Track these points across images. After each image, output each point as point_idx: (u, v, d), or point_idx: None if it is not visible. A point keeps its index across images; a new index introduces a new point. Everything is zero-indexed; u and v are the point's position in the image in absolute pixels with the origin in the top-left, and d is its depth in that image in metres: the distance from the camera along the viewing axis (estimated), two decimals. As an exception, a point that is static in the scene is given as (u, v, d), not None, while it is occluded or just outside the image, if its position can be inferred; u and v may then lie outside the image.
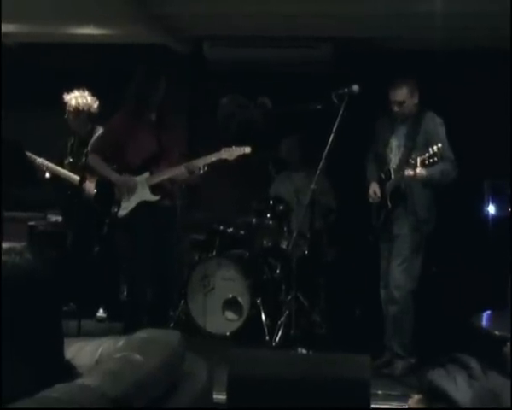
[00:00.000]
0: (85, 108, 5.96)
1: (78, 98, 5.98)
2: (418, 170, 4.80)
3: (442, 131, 5.01)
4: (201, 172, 5.17)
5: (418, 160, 4.74)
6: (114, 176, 5.21)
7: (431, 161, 4.67)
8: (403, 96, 5.01)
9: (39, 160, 5.90)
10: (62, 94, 6.05)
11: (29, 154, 5.79)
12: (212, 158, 5.14)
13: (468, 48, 6.37)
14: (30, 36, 6.92)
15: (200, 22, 6.59)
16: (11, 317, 1.66)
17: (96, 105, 6.01)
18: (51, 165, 5.98)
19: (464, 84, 6.53)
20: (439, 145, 4.67)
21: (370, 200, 5.16)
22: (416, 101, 5.07)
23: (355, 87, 4.83)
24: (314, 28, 6.42)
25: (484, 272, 6.04)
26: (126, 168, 5.21)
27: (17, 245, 1.78)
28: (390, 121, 5.18)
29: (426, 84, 5.22)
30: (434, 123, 5.04)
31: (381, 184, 5.12)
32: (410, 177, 4.88)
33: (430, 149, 4.68)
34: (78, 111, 5.96)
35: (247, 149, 5.16)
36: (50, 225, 6.64)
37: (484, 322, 4.76)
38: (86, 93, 6.02)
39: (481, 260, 6.23)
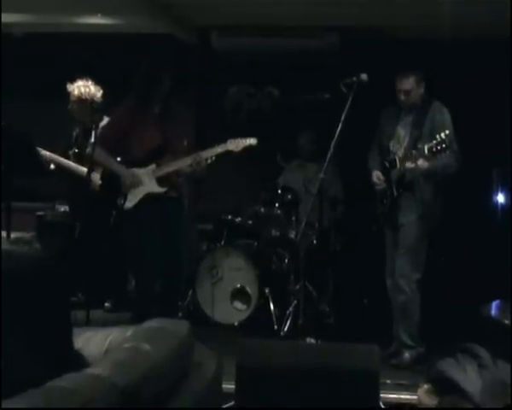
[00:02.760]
0: (89, 98, 5.93)
1: (81, 88, 5.96)
2: (420, 162, 4.79)
3: (448, 120, 4.98)
4: (209, 162, 5.16)
5: (425, 147, 4.72)
6: (120, 169, 5.21)
7: (438, 148, 4.64)
8: (409, 85, 5.00)
9: (43, 152, 5.86)
10: (66, 84, 6.03)
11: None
12: (218, 150, 5.13)
13: (477, 37, 6.33)
14: (37, 26, 6.92)
15: (208, 12, 6.57)
16: (20, 306, 1.66)
17: (99, 94, 5.98)
18: (56, 156, 5.96)
19: (473, 73, 6.50)
20: (447, 132, 4.65)
21: (376, 186, 5.15)
22: (422, 90, 5.05)
23: (363, 76, 4.80)
24: (321, 17, 6.39)
25: (493, 261, 6.02)
26: (132, 160, 5.20)
27: (26, 235, 1.79)
28: (396, 111, 5.17)
29: (434, 73, 5.19)
30: (441, 113, 5.01)
31: (387, 172, 5.10)
32: (410, 169, 4.87)
33: (437, 136, 4.65)
34: (81, 100, 5.94)
35: (253, 141, 5.15)
36: (59, 216, 6.64)
37: (493, 311, 4.76)
38: (89, 82, 5.98)
39: (490, 249, 6.22)
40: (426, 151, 4.70)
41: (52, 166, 5.93)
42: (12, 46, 7.10)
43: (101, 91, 6.00)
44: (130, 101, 5.28)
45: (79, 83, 5.98)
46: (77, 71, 6.08)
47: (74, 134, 6.17)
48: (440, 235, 5.18)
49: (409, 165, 4.87)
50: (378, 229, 5.25)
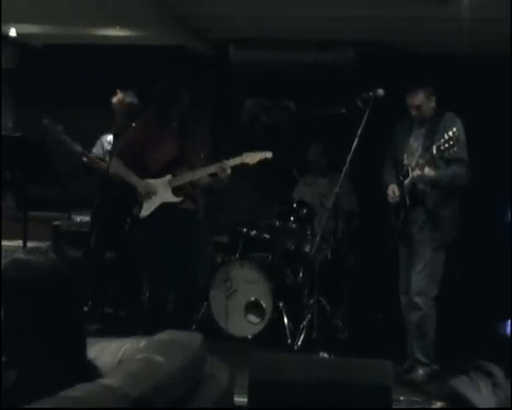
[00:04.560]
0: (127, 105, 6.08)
1: (122, 97, 6.12)
2: (426, 170, 4.78)
3: (461, 130, 4.94)
4: (228, 172, 5.17)
5: (434, 147, 4.70)
6: (135, 181, 5.23)
7: (446, 145, 4.61)
8: (419, 100, 4.99)
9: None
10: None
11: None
12: (235, 162, 5.17)
13: (492, 53, 6.32)
14: (54, 37, 6.99)
15: (226, 24, 6.60)
16: (34, 315, 1.67)
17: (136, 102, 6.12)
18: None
19: (487, 89, 6.48)
20: (454, 130, 4.62)
21: (389, 199, 5.12)
22: (433, 104, 5.04)
23: (380, 91, 4.82)
24: (339, 32, 6.41)
25: (508, 279, 5.98)
26: (148, 173, 5.23)
27: (42, 245, 1.80)
28: (409, 124, 5.17)
29: (447, 88, 5.18)
30: (453, 122, 4.98)
31: (400, 184, 5.09)
32: (418, 177, 4.86)
33: (445, 135, 4.63)
34: (122, 106, 6.06)
35: (269, 154, 5.18)
36: (75, 226, 6.68)
37: (507, 329, 4.73)
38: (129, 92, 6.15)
39: (506, 266, 6.17)
40: (435, 151, 4.69)
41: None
42: (30, 57, 7.20)
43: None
44: (149, 114, 5.34)
45: (121, 94, 6.11)
46: (95, 81, 6.14)
47: (109, 140, 6.22)
48: (456, 251, 5.15)
49: (416, 173, 4.86)
50: (393, 244, 5.22)
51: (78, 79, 7.12)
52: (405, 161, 5.11)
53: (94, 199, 6.21)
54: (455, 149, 4.64)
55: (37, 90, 7.35)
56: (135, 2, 5.88)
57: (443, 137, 4.65)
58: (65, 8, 5.98)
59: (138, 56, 7.14)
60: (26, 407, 1.46)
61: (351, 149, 4.78)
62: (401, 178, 5.08)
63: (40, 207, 6.23)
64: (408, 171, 5.01)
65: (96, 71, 7.10)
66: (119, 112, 6.10)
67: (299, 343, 5.58)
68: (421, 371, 5.00)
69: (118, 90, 6.14)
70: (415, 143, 5.09)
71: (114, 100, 6.11)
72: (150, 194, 5.17)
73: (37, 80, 7.35)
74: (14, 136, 5.27)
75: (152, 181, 5.21)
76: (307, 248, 6.03)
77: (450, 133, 4.61)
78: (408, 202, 5.01)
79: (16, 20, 6.26)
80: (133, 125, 5.67)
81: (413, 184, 4.96)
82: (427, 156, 4.79)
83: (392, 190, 5.10)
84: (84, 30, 6.72)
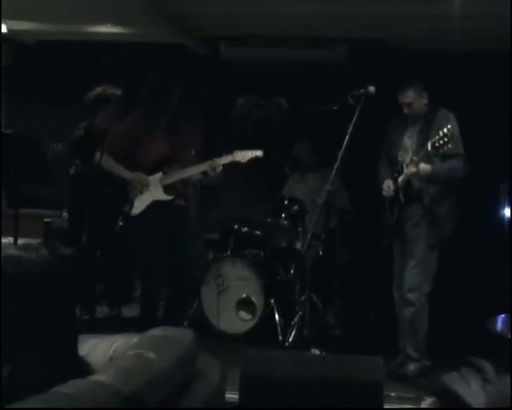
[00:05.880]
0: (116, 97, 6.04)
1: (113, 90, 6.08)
2: (421, 166, 4.80)
3: (455, 125, 4.97)
4: (219, 170, 5.18)
5: (429, 144, 4.73)
6: (127, 174, 5.22)
7: (441, 142, 4.65)
8: (409, 98, 5.04)
9: None
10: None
11: None
12: (225, 160, 5.17)
13: (484, 49, 6.34)
14: (48, 34, 6.98)
15: (217, 22, 6.60)
16: (26, 312, 1.67)
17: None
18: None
19: (481, 86, 6.50)
20: (449, 126, 4.67)
21: (384, 193, 5.14)
22: (425, 101, 5.08)
23: (371, 88, 4.83)
24: (330, 29, 6.42)
25: (500, 275, 6.00)
26: (139, 169, 5.22)
27: (33, 242, 1.79)
28: (403, 122, 5.19)
29: (441, 85, 5.20)
30: (447, 118, 5.02)
31: (395, 180, 5.11)
32: (413, 174, 4.87)
33: (440, 132, 4.67)
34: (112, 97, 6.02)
35: (259, 153, 5.20)
36: (66, 222, 6.67)
37: (499, 325, 4.74)
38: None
39: (497, 263, 6.20)
40: (429, 147, 4.72)
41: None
42: (25, 53, 7.18)
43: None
44: (139, 110, 5.33)
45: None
46: (87, 79, 6.12)
47: None
48: (448, 248, 5.17)
49: (410, 169, 4.88)
50: (388, 241, 5.24)
51: (72, 77, 7.10)
52: (399, 158, 5.14)
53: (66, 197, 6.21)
54: (449, 145, 4.67)
55: (30, 88, 7.34)
56: (127, 1, 5.87)
57: (437, 134, 4.68)
58: (60, 6, 5.98)
59: (130, 54, 7.13)
60: (18, 403, 1.46)
61: (342, 146, 4.79)
62: (395, 175, 5.10)
63: (31, 204, 6.22)
64: (402, 168, 5.03)
65: (89, 68, 7.08)
66: (113, 105, 6.03)
67: (291, 340, 5.60)
68: (412, 367, 5.02)
69: (103, 85, 6.08)
70: (409, 141, 5.12)
71: (106, 92, 6.03)
72: (143, 186, 5.17)
73: (30, 77, 7.34)
74: (7, 133, 5.25)
75: (144, 175, 5.21)
76: (298, 245, 6.04)
77: (445, 130, 4.64)
78: (402, 199, 5.03)
79: (11, 17, 6.25)
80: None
81: (407, 181, 4.98)
82: (421, 153, 4.82)
83: (387, 185, 5.12)
84: (77, 27, 6.71)
